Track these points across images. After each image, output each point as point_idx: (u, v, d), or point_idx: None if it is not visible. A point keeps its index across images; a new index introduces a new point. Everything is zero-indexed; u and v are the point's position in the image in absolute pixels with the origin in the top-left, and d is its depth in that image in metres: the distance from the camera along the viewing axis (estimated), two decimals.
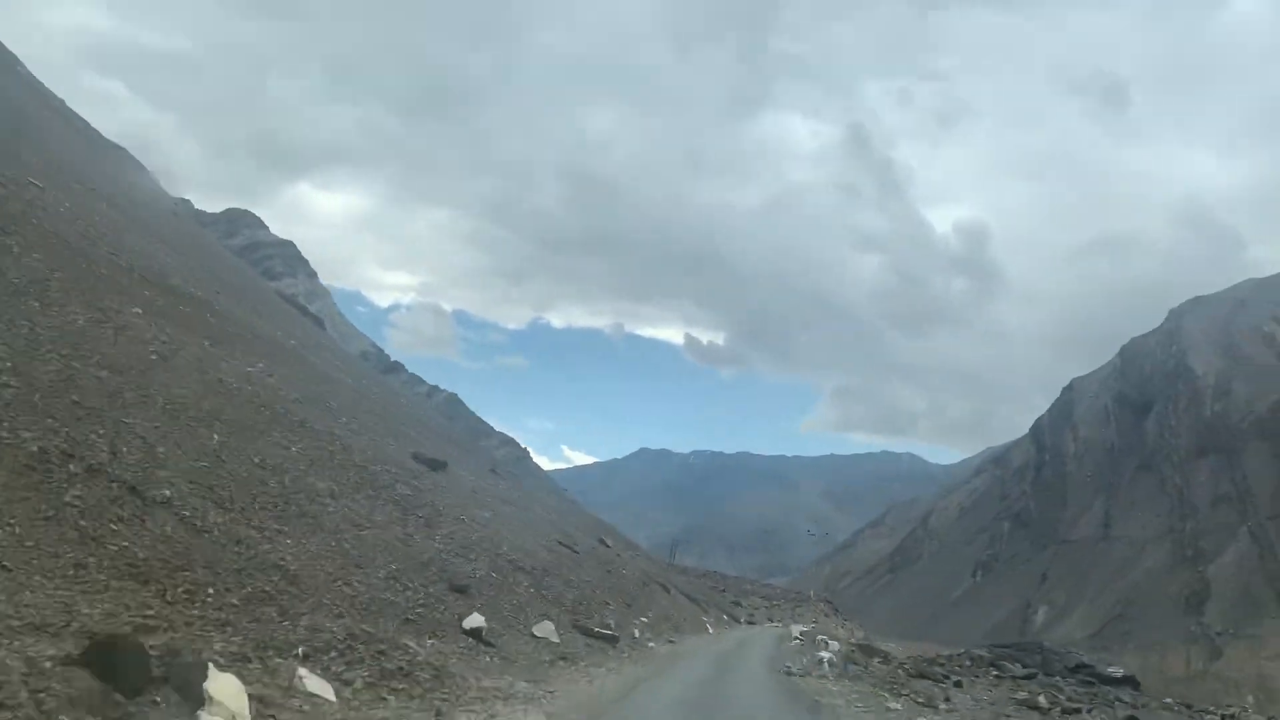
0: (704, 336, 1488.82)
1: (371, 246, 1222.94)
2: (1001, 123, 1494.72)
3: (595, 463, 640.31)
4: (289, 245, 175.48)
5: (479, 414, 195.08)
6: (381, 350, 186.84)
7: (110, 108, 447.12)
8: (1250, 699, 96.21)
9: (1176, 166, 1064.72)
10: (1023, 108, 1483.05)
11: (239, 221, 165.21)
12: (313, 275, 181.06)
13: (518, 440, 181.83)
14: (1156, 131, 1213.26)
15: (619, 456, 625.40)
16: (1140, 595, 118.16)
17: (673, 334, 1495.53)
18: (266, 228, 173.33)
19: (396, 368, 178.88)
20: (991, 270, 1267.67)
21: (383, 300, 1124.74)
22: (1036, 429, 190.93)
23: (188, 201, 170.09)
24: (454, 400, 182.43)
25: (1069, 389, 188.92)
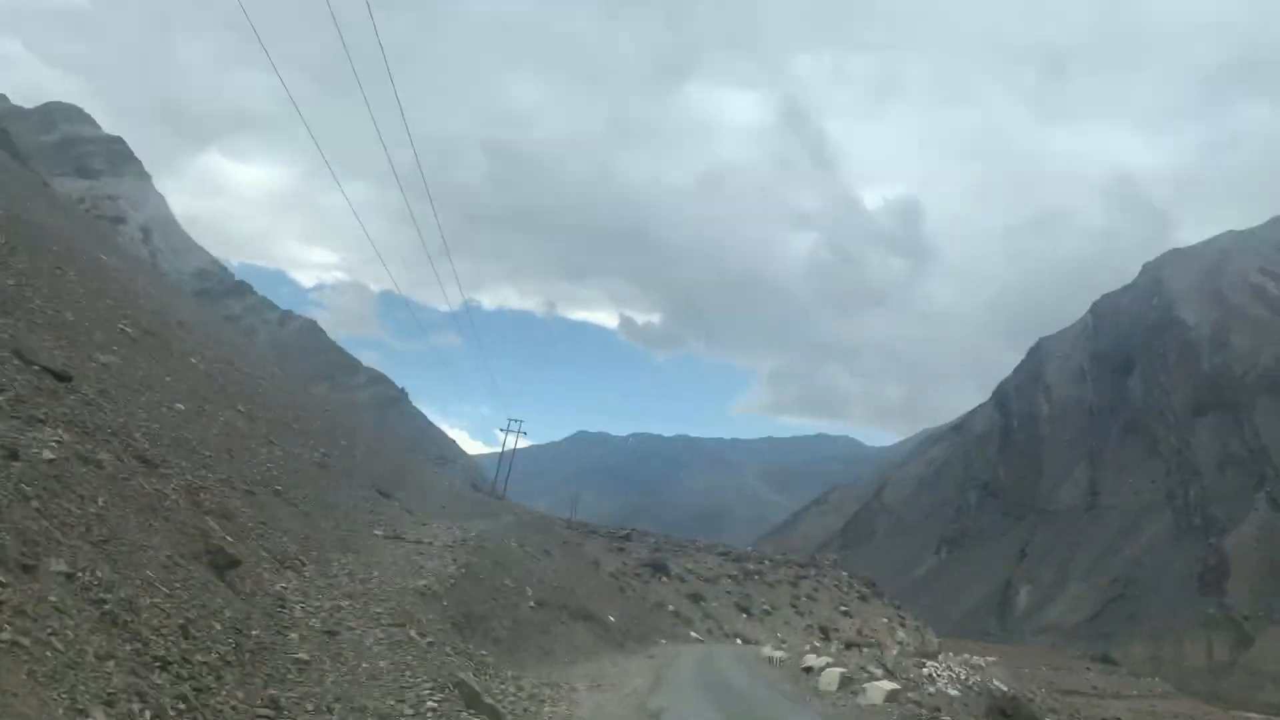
0: (639, 317, 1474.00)
1: (290, 221, 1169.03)
2: (935, 98, 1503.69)
3: (532, 446, 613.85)
4: (117, 142, 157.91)
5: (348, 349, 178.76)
6: (225, 268, 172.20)
7: (6, 67, 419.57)
8: None
9: (1105, 144, 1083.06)
10: (957, 82, 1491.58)
11: (57, 115, 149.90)
12: (145, 177, 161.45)
13: (391, 379, 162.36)
14: (1087, 108, 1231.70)
15: (556, 440, 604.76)
16: (1143, 573, 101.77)
17: (606, 316, 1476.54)
18: (95, 123, 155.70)
19: (242, 289, 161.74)
20: (925, 249, 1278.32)
21: (306, 279, 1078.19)
22: (1000, 393, 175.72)
23: (2, 96, 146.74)
24: (312, 328, 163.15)
25: (1036, 349, 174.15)
